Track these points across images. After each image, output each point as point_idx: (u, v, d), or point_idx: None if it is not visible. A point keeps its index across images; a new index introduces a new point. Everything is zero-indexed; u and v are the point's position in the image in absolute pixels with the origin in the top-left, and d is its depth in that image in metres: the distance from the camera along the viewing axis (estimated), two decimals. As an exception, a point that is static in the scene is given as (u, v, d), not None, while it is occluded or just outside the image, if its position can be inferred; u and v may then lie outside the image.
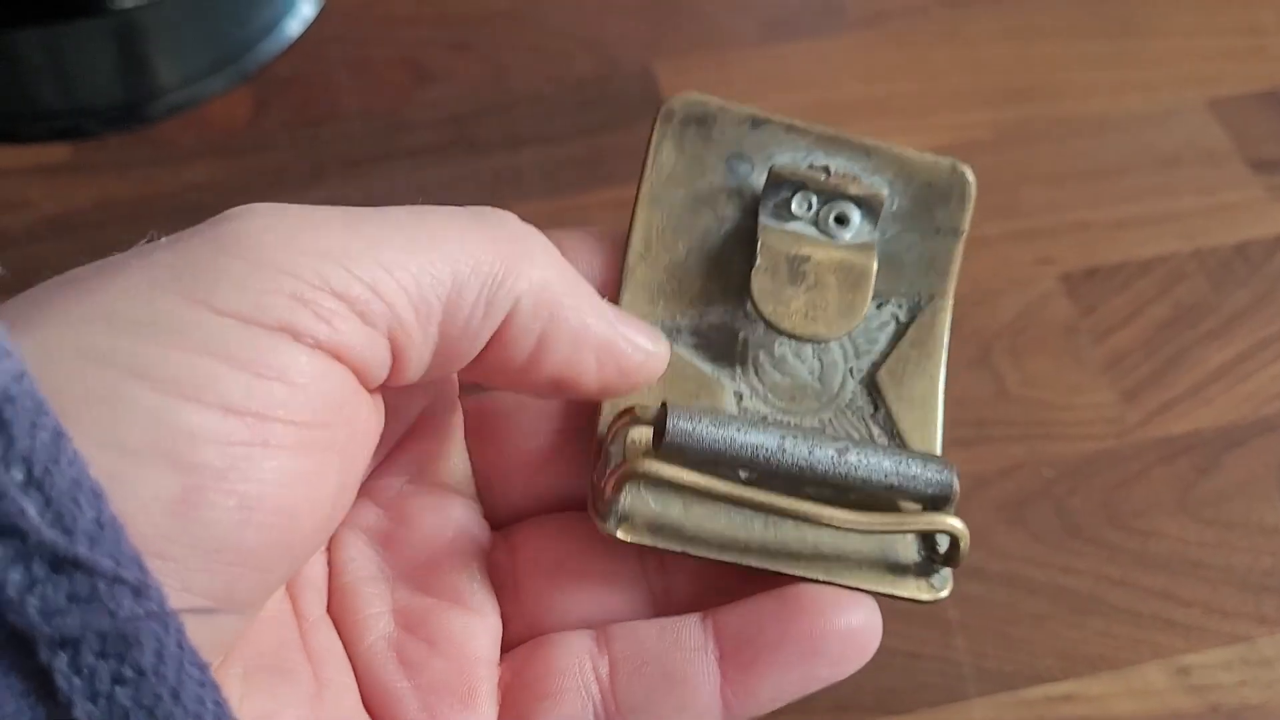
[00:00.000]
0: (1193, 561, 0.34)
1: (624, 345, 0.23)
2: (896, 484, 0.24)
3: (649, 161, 0.27)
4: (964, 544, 0.24)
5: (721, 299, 0.26)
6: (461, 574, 0.23)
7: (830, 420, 0.26)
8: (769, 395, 0.26)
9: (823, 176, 0.26)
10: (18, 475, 0.13)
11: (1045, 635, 0.32)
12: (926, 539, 0.25)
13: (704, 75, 0.46)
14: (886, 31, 0.47)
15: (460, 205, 0.41)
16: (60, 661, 0.13)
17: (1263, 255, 0.40)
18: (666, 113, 0.28)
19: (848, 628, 0.22)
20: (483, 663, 0.23)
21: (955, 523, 0.24)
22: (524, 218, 0.41)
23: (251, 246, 0.17)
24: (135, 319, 0.15)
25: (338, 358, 0.17)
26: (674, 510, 0.24)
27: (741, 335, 0.26)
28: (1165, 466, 0.35)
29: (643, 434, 0.24)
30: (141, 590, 0.13)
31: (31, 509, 0.13)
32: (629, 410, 0.24)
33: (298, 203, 0.41)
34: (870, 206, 0.26)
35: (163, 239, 0.18)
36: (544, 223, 0.41)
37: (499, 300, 0.20)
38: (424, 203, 0.41)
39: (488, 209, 0.22)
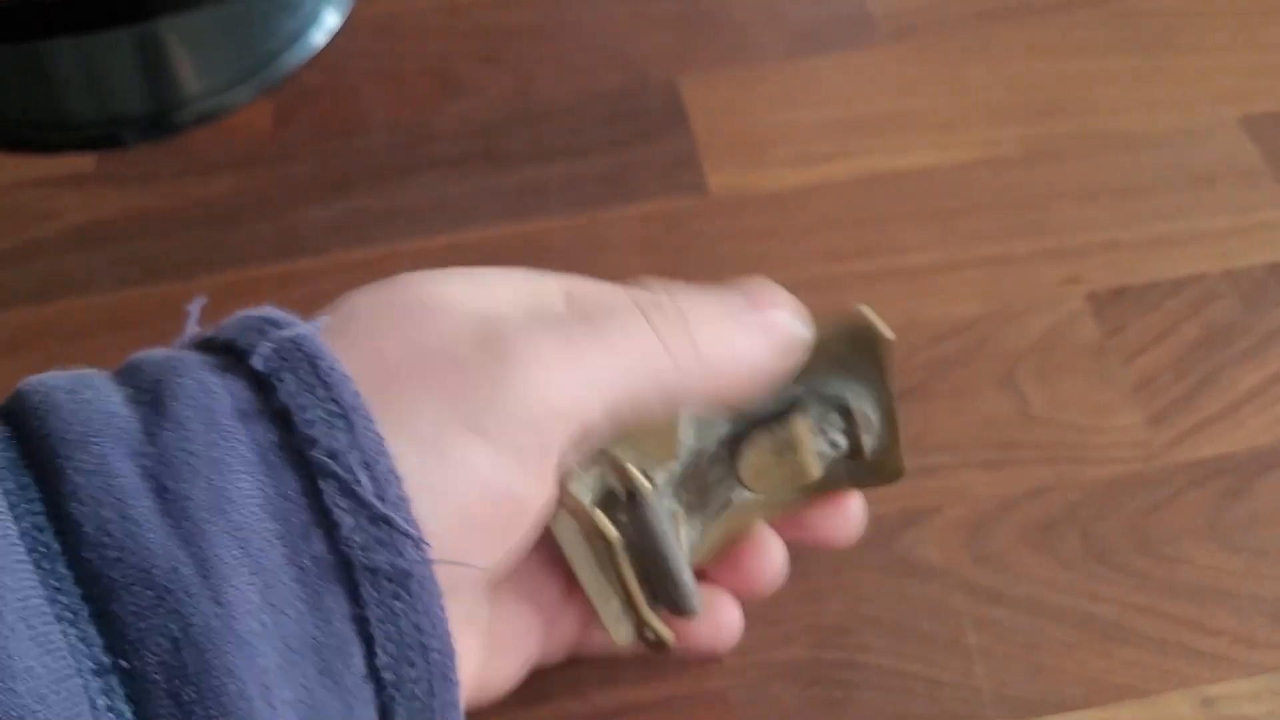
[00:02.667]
0: (1222, 590, 0.33)
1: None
2: None
3: None
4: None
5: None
6: None
7: None
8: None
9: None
10: (357, 458, 0.20)
11: (1069, 663, 0.32)
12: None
13: (731, 90, 0.46)
14: (916, 45, 0.47)
15: (484, 219, 0.41)
16: (365, 581, 0.20)
17: (1297, 276, 0.39)
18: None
19: None
20: None
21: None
22: (549, 234, 0.41)
23: (517, 385, 0.22)
24: (426, 439, 0.21)
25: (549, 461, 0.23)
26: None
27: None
28: (1195, 491, 0.35)
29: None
30: (418, 544, 0.20)
31: (365, 479, 0.20)
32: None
33: (321, 212, 0.41)
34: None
35: (456, 353, 0.22)
36: (569, 239, 0.41)
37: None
38: (446, 217, 0.41)
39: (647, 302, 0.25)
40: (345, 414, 0.20)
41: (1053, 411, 0.36)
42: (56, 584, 0.18)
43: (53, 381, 0.21)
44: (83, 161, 0.44)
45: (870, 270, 0.40)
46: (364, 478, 0.20)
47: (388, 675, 0.20)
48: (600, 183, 0.43)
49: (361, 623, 0.20)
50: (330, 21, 0.48)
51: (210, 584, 0.18)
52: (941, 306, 0.39)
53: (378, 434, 0.20)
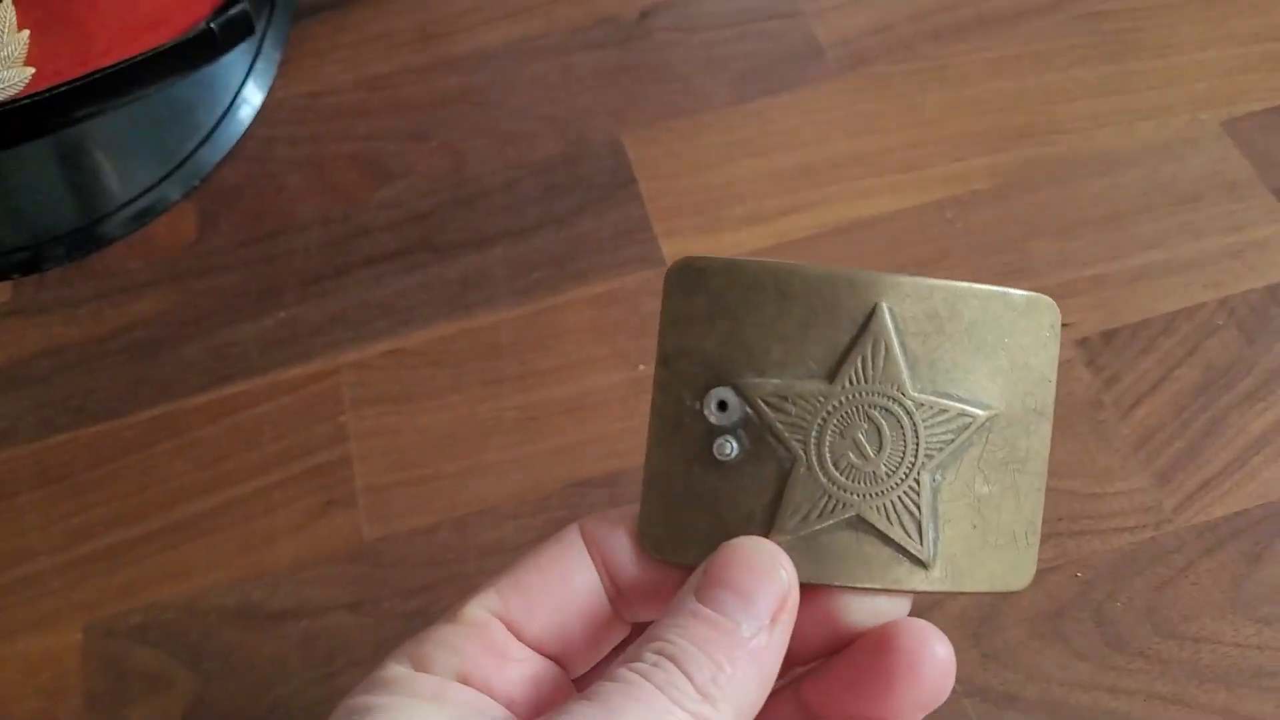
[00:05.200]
0: (1251, 668, 0.30)
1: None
2: None
3: None
4: None
5: None
6: None
7: None
8: None
9: None
10: None
11: (1094, 770, 0.29)
12: None
13: (676, 143, 0.43)
14: (869, 76, 0.44)
15: (427, 318, 0.39)
16: None
17: (1298, 299, 0.36)
18: None
19: None
20: None
21: None
22: (497, 328, 0.39)
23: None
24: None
25: None
26: None
27: None
28: (1211, 558, 0.32)
29: None
30: None
31: None
32: None
33: (252, 327, 0.37)
34: None
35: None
36: (518, 331, 0.38)
37: None
38: (387, 319, 0.39)
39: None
40: None
41: (1051, 480, 0.34)
42: None
43: None
44: (-6, 296, 0.41)
45: (842, 333, 0.37)
46: None
47: None
48: (547, 264, 0.40)
49: None
50: (252, 101, 0.45)
51: None
52: (921, 368, 0.36)
53: None
